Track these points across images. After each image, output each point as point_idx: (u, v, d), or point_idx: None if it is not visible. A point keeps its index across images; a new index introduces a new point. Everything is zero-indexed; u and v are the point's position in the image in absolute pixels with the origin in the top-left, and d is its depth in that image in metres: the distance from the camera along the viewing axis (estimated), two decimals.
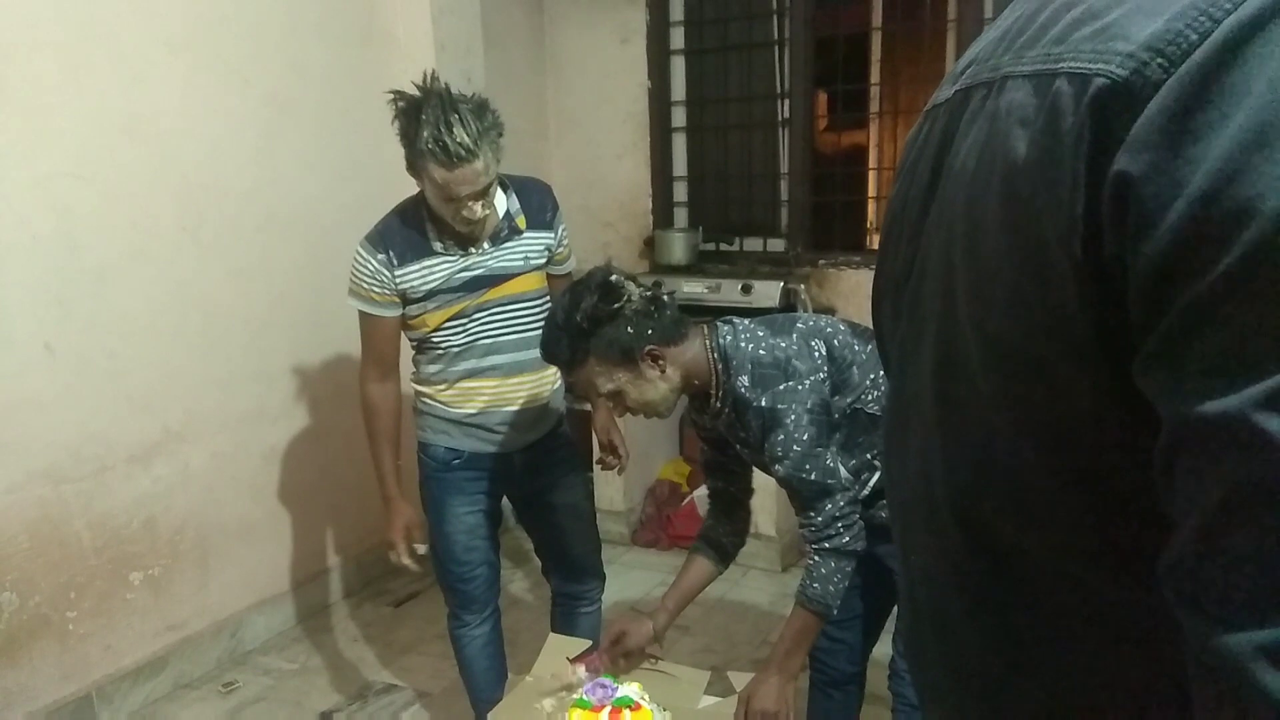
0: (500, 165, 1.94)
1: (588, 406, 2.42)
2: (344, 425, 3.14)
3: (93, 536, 2.63)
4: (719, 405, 1.75)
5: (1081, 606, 0.56)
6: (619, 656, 1.84)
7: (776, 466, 1.68)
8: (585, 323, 1.67)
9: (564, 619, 2.32)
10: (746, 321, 1.79)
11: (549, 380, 2.18)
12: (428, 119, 1.82)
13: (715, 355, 1.73)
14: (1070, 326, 0.48)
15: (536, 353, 2.07)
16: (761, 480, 3.29)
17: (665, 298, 1.78)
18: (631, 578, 3.51)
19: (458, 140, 1.81)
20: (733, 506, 1.98)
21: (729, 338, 1.73)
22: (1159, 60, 0.44)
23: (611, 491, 3.76)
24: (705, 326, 1.77)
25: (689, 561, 1.95)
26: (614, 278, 1.72)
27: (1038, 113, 0.49)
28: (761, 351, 1.71)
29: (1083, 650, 0.57)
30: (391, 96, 1.90)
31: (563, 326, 1.71)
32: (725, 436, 1.84)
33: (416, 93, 1.87)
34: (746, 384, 1.69)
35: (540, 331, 2.08)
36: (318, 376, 3.22)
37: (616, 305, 1.68)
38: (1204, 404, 0.41)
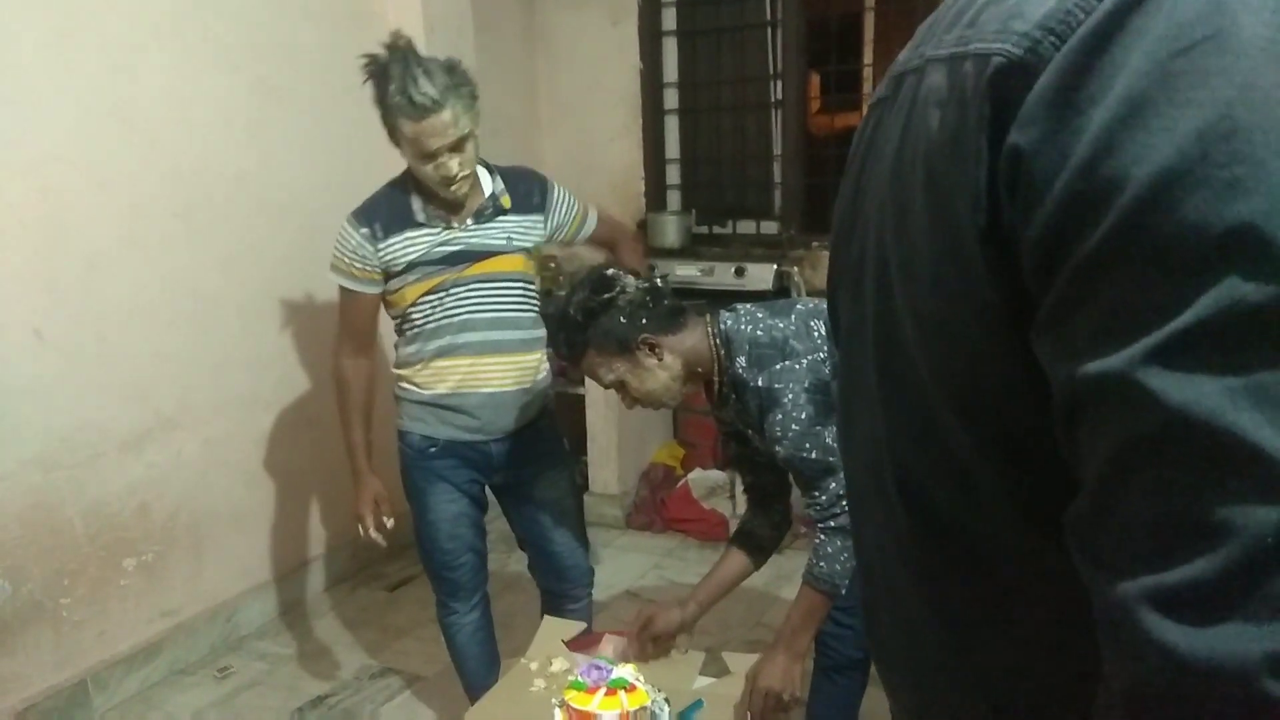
0: (478, 126, 1.96)
1: (581, 390, 2.42)
2: (336, 411, 3.14)
3: (85, 523, 2.62)
4: (725, 391, 1.75)
5: (1018, 574, 0.58)
6: (647, 641, 1.82)
7: (777, 447, 1.67)
8: (579, 315, 1.71)
9: (552, 614, 2.29)
10: (749, 306, 1.79)
11: (531, 366, 2.16)
12: (394, 74, 1.85)
13: (717, 341, 1.73)
14: (981, 297, 0.50)
15: (513, 334, 2.10)
16: None
17: (663, 287, 1.79)
18: (626, 561, 3.51)
19: (423, 91, 1.83)
20: (767, 500, 1.94)
21: (730, 322, 1.74)
22: (1050, 38, 0.46)
23: (605, 475, 3.76)
24: (709, 314, 1.77)
25: (724, 555, 1.93)
26: (609, 271, 1.77)
27: (949, 93, 0.52)
28: (759, 332, 1.71)
29: (1023, 618, 0.59)
30: (364, 61, 1.91)
31: (559, 320, 1.75)
32: (740, 427, 1.83)
33: (384, 53, 1.89)
34: (744, 364, 1.69)
35: (518, 314, 2.12)
36: (310, 362, 3.20)
37: (608, 296, 1.71)
38: (1090, 365, 0.43)
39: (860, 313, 0.66)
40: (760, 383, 1.67)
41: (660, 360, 1.72)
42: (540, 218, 2.14)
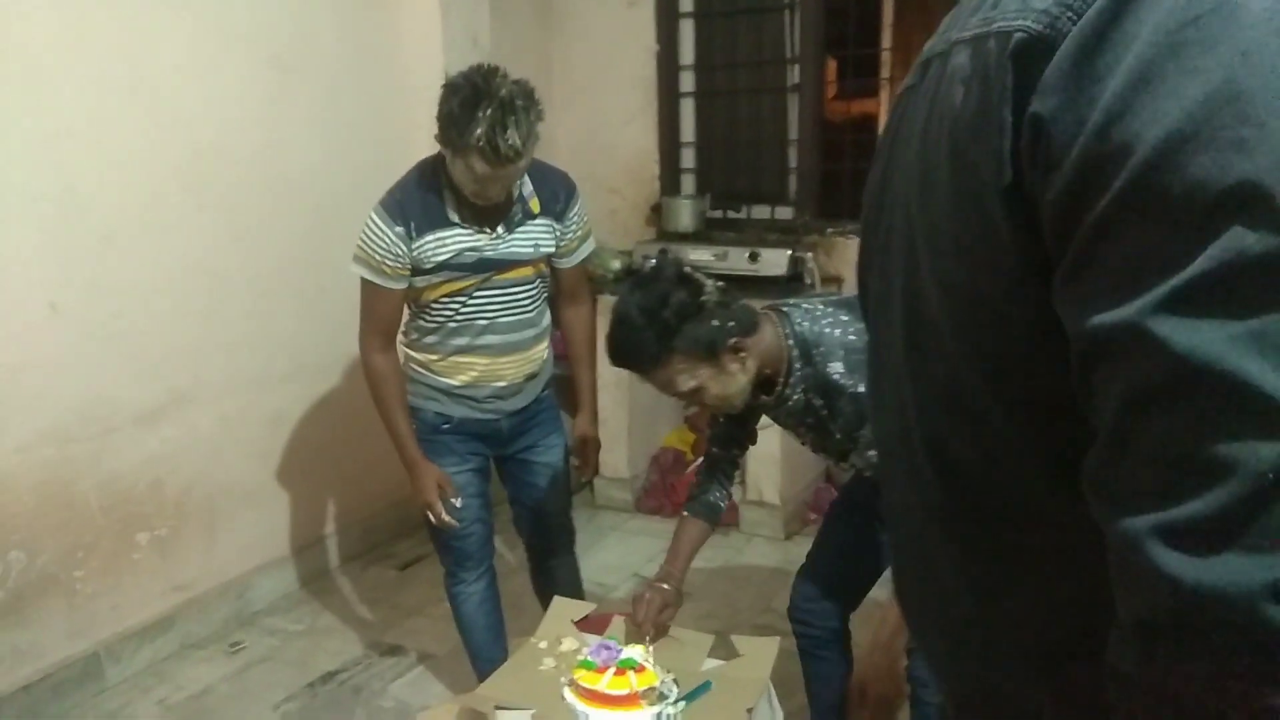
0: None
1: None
2: (350, 389, 3.15)
3: (100, 497, 2.64)
4: (788, 393, 1.69)
5: (1046, 529, 0.60)
6: (663, 626, 1.86)
7: (870, 453, 1.60)
8: (674, 319, 1.59)
9: (539, 573, 2.41)
10: (815, 303, 1.73)
11: (539, 356, 2.22)
12: (483, 117, 1.80)
13: (791, 342, 1.66)
14: (1005, 261, 0.54)
15: (529, 333, 2.17)
16: (765, 449, 3.27)
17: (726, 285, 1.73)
18: (635, 544, 3.52)
19: (509, 143, 1.81)
20: (729, 469, 2.01)
21: (806, 323, 1.67)
22: (1068, 14, 0.49)
23: (615, 459, 3.76)
24: (772, 313, 1.71)
25: (684, 525, 1.99)
26: (687, 268, 1.67)
27: (973, 70, 0.55)
28: (851, 336, 1.64)
29: (1051, 571, 0.61)
30: (445, 80, 1.90)
31: (647, 325, 1.60)
32: (772, 420, 1.81)
33: (474, 79, 1.85)
34: (841, 370, 1.62)
35: (533, 312, 2.15)
36: (323, 340, 3.21)
37: (702, 298, 1.62)
38: (1103, 315, 0.46)
39: (887, 287, 0.69)
40: (862, 389, 1.58)
41: (743, 365, 1.64)
42: (559, 225, 2.16)
